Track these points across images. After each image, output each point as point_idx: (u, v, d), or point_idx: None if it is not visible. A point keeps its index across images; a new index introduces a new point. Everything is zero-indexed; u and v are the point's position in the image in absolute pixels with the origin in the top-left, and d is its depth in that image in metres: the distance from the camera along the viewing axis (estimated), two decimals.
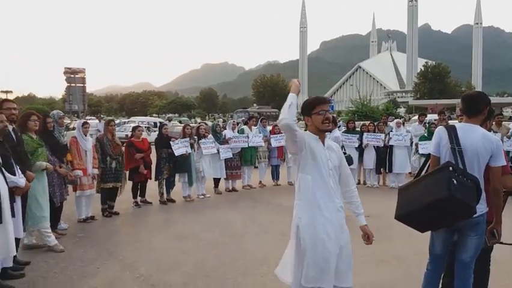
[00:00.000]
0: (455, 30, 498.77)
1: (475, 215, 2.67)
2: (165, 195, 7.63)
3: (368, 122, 10.50)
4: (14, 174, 3.81)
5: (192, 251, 4.93)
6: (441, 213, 2.66)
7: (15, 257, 4.10)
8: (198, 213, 6.92)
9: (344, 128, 10.80)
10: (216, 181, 8.63)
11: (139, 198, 7.39)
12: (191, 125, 9.38)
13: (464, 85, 76.19)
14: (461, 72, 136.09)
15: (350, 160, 6.50)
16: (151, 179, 7.45)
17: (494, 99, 47.43)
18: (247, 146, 8.76)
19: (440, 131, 2.96)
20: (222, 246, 5.13)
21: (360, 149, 9.24)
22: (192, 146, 7.71)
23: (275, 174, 9.51)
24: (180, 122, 30.76)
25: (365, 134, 9.27)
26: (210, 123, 18.77)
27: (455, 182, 2.55)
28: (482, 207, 2.76)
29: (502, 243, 2.89)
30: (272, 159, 9.38)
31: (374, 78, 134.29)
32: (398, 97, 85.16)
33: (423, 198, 2.69)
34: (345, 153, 6.41)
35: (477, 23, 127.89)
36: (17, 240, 4.19)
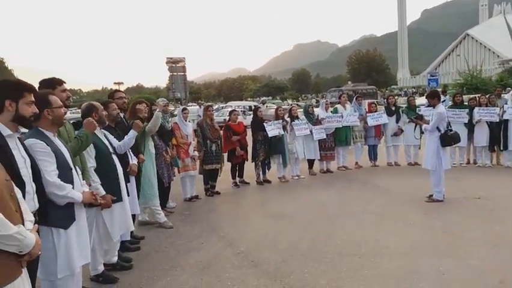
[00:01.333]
0: None
1: None
2: (261, 176, 7.85)
3: (479, 95, 9.45)
4: (127, 157, 4.24)
5: (288, 230, 5.03)
6: None
7: (132, 231, 4.61)
8: (293, 193, 7.01)
9: (450, 103, 9.91)
10: (310, 162, 8.60)
11: (237, 179, 7.74)
12: (283, 106, 9.44)
13: None
14: None
15: (457, 138, 5.97)
16: (247, 160, 7.72)
17: None
18: (341, 126, 8.53)
19: None
20: (318, 226, 5.14)
21: (470, 125, 8.41)
22: (284, 127, 7.77)
23: (372, 155, 9.13)
24: (275, 104, 31.20)
25: (476, 109, 8.37)
26: (302, 104, 18.69)
27: None
28: None
29: None
30: (369, 138, 9.01)
31: (485, 46, 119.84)
32: None
33: None
34: (450, 130, 5.91)
35: None
36: (133, 217, 4.70)
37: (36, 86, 3.04)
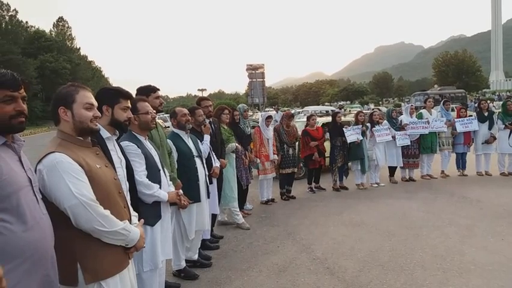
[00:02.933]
0: None
1: None
2: (338, 182, 7.72)
3: None
4: (211, 160, 4.47)
5: (366, 239, 4.89)
6: None
7: (212, 231, 4.82)
8: (372, 201, 6.78)
9: None
10: (391, 170, 8.26)
11: (313, 184, 7.70)
12: (363, 111, 9.19)
13: None
14: None
15: None
16: (325, 166, 7.63)
17: None
18: (427, 132, 8.08)
19: None
20: (398, 236, 4.92)
21: None
22: (363, 133, 7.56)
23: (460, 163, 8.50)
24: (353, 109, 30.43)
25: None
26: (384, 109, 18.00)
27: None
28: None
29: None
30: (457, 146, 8.40)
31: None
32: None
33: None
34: None
35: None
36: (214, 216, 4.92)
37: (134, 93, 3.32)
